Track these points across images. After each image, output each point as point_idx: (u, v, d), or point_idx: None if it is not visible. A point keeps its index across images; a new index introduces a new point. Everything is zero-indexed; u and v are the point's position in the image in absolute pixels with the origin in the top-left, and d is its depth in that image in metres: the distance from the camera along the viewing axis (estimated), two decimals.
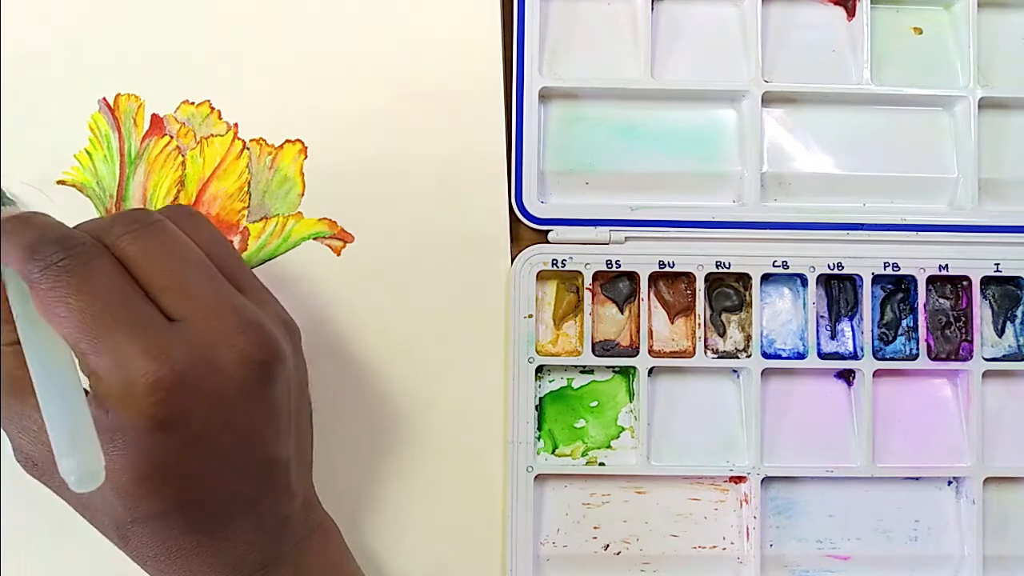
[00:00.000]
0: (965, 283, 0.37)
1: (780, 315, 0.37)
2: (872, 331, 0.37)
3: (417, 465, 0.36)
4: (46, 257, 0.25)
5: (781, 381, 0.37)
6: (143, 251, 0.27)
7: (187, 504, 0.27)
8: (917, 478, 0.37)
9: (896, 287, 0.38)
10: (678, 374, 0.37)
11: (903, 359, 0.37)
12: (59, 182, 0.36)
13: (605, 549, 0.36)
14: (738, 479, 0.37)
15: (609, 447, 0.37)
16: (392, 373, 0.36)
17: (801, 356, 0.37)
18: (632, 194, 0.37)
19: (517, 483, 0.35)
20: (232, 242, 0.36)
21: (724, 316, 0.37)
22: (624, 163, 0.37)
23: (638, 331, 0.36)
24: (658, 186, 0.37)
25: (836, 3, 0.38)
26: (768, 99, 0.37)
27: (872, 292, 0.37)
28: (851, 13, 0.38)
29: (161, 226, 0.27)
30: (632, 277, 0.37)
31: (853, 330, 0.37)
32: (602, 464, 0.36)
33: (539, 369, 0.36)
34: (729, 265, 0.36)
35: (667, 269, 0.36)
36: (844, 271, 0.37)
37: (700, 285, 0.36)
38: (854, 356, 0.37)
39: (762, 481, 0.36)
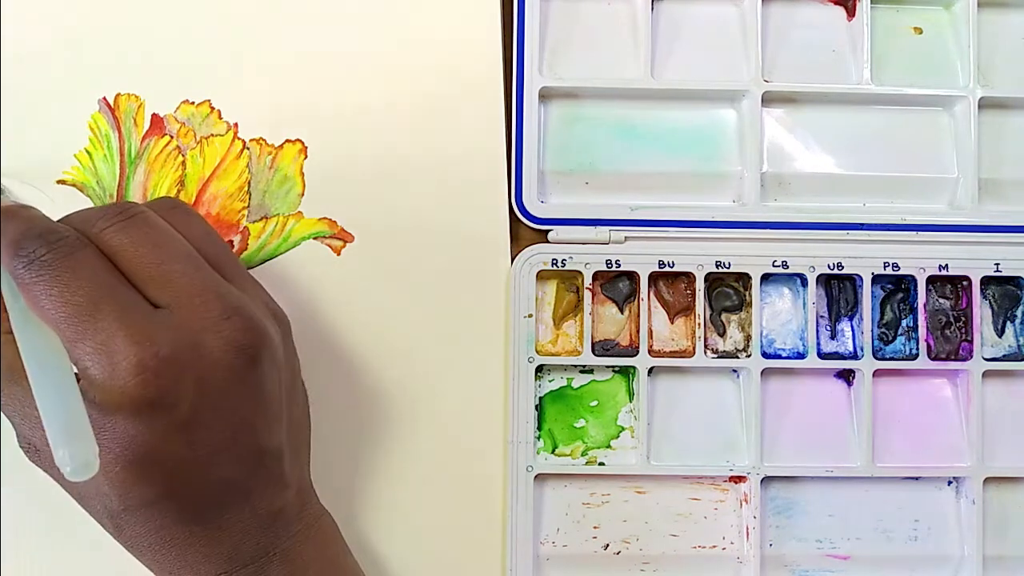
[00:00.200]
0: (965, 283, 0.37)
1: (780, 315, 0.37)
2: (872, 331, 0.37)
3: (417, 465, 0.36)
4: (30, 252, 0.26)
5: (781, 381, 0.37)
6: (127, 242, 0.27)
7: (178, 492, 0.27)
8: (917, 478, 0.37)
9: (896, 287, 0.38)
10: (678, 374, 0.37)
11: (903, 359, 0.37)
12: (59, 182, 0.36)
13: (605, 549, 0.36)
14: (738, 479, 0.37)
15: (609, 447, 0.37)
16: (392, 373, 0.36)
17: (801, 356, 0.37)
18: (632, 194, 0.37)
19: (517, 483, 0.35)
20: (231, 241, 0.36)
21: (724, 316, 0.37)
22: (624, 163, 0.37)
23: (638, 331, 0.36)
24: (658, 186, 0.37)
25: (836, 3, 0.38)
26: (768, 99, 0.37)
27: (872, 292, 0.37)
28: (851, 13, 0.38)
29: (144, 217, 0.27)
30: (632, 277, 0.37)
31: (853, 330, 0.37)
32: (602, 464, 0.36)
33: (539, 369, 0.36)
34: (729, 265, 0.36)
35: (667, 269, 0.36)
36: (844, 271, 0.37)
37: (700, 285, 0.36)
38: (854, 356, 0.37)
39: (762, 481, 0.36)
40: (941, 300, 0.38)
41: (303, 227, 0.36)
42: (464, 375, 0.36)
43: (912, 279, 0.37)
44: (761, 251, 0.37)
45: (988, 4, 0.38)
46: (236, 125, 0.36)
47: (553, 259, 0.36)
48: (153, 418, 0.26)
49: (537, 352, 0.36)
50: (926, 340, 0.37)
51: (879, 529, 0.37)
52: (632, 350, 0.36)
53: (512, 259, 0.36)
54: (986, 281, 0.37)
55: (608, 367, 0.37)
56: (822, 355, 0.37)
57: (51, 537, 0.34)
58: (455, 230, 0.36)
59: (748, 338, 0.37)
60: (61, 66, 0.36)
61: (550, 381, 0.37)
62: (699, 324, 0.36)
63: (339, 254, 0.36)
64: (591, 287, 0.36)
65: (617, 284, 0.37)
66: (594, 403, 0.37)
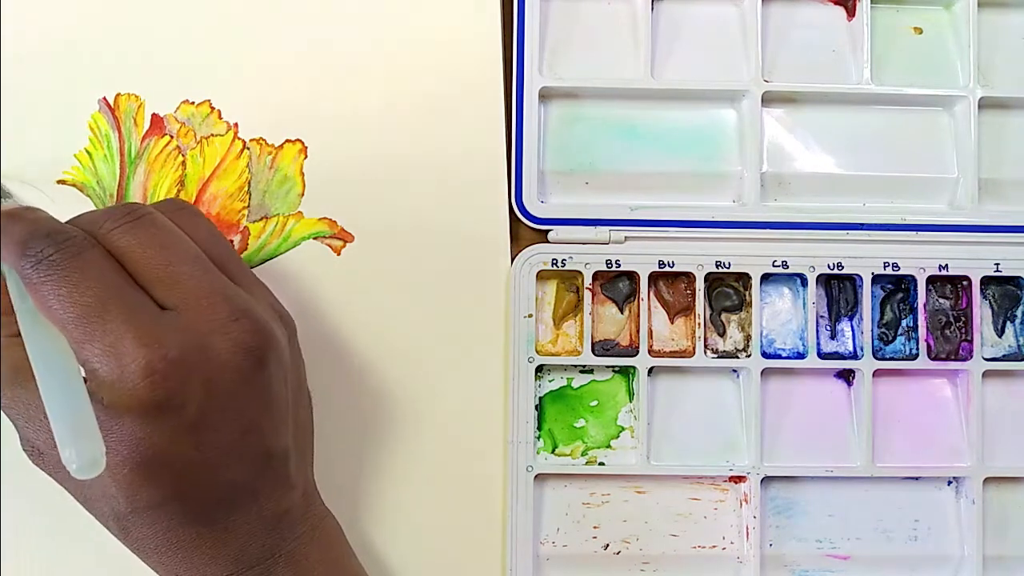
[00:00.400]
0: (965, 283, 0.37)
1: (780, 315, 0.37)
2: (872, 331, 0.37)
3: (417, 465, 0.36)
4: (37, 252, 0.26)
5: (781, 381, 0.37)
6: (134, 243, 0.27)
7: (186, 494, 0.27)
8: (917, 478, 0.37)
9: (896, 287, 0.38)
10: (678, 374, 0.37)
11: (903, 359, 0.37)
12: (59, 182, 0.36)
13: (605, 549, 0.36)
14: (738, 479, 0.37)
15: (609, 447, 0.37)
16: (392, 373, 0.36)
17: (801, 356, 0.37)
18: (632, 194, 0.37)
19: (517, 483, 0.35)
20: (232, 241, 0.36)
21: (724, 316, 0.37)
22: (624, 163, 0.37)
23: (638, 331, 0.36)
24: (658, 186, 0.37)
25: (836, 3, 0.38)
26: (768, 99, 0.37)
27: (872, 292, 0.37)
28: (851, 13, 0.38)
29: (152, 219, 0.28)
30: (632, 277, 0.37)
31: (853, 330, 0.37)
32: (602, 464, 0.36)
33: (539, 369, 0.36)
34: (729, 265, 0.36)
35: (667, 269, 0.36)
36: (844, 271, 0.37)
37: (700, 285, 0.36)
38: (854, 356, 0.37)
39: (762, 481, 0.36)
40: (941, 300, 0.38)
41: (303, 227, 0.36)
42: (464, 375, 0.36)
43: (912, 279, 0.37)
44: (761, 251, 0.37)
45: (988, 4, 0.38)
46: (236, 125, 0.36)
47: (553, 259, 0.36)
48: (161, 420, 0.26)
49: (537, 352, 0.36)
50: (926, 340, 0.37)
51: (879, 529, 0.37)
52: (632, 350, 0.36)
53: (512, 259, 0.36)
54: (986, 281, 0.37)
55: (608, 367, 0.37)
56: (822, 355, 0.37)
57: (51, 537, 0.34)
58: (455, 230, 0.36)
59: (748, 338, 0.37)
60: (61, 66, 0.36)
61: (550, 381, 0.37)
62: (699, 324, 0.36)
63: (339, 254, 0.36)
64: (591, 287, 0.36)
65: (617, 284, 0.37)
66: (594, 403, 0.37)
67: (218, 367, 0.26)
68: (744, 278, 0.37)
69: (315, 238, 0.36)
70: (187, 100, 0.36)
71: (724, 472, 0.36)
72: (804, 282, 0.37)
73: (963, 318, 0.38)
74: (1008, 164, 0.38)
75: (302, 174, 0.36)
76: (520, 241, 0.37)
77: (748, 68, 0.37)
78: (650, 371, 0.36)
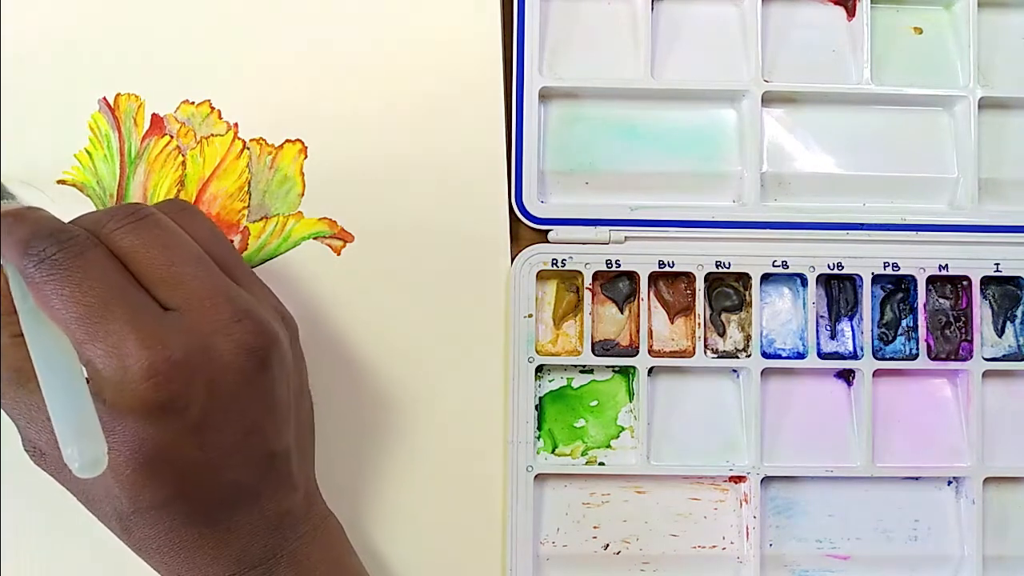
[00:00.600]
0: (965, 283, 0.37)
1: (780, 315, 0.37)
2: (872, 331, 0.37)
3: (417, 465, 0.36)
4: (40, 251, 0.26)
5: (781, 381, 0.37)
6: (137, 243, 0.27)
7: (189, 494, 0.27)
8: (917, 478, 0.37)
9: (896, 287, 0.38)
10: (678, 374, 0.37)
11: (903, 359, 0.37)
12: (59, 182, 0.36)
13: (605, 549, 0.36)
14: (738, 479, 0.37)
15: (609, 447, 0.37)
16: (392, 373, 0.36)
17: (801, 356, 0.37)
18: (632, 194, 0.37)
19: (517, 483, 0.35)
20: (232, 241, 0.36)
21: (724, 316, 0.37)
22: (624, 163, 0.37)
23: (638, 331, 0.36)
24: (658, 186, 0.37)
25: (836, 3, 0.38)
26: (768, 99, 0.37)
27: (872, 292, 0.37)
28: (851, 13, 0.38)
29: (155, 219, 0.28)
30: (632, 277, 0.37)
31: (853, 330, 0.37)
32: (602, 464, 0.36)
33: (539, 369, 0.36)
34: (729, 265, 0.36)
35: (667, 269, 0.36)
36: (844, 271, 0.37)
37: (700, 285, 0.36)
38: (854, 356, 0.37)
39: (762, 481, 0.36)
40: (941, 300, 0.38)
41: (303, 227, 0.36)
42: (464, 375, 0.36)
43: (912, 279, 0.37)
44: (761, 251, 0.37)
45: (988, 4, 0.38)
46: (236, 125, 0.36)
47: (553, 259, 0.36)
48: (164, 421, 0.26)
49: (537, 352, 0.36)
50: (926, 340, 0.37)
51: (879, 529, 0.37)
52: (632, 350, 0.36)
53: (512, 259, 0.36)
54: (986, 281, 0.37)
55: (608, 367, 0.37)
56: (822, 355, 0.37)
57: (51, 537, 0.34)
58: (455, 230, 0.36)
59: (748, 338, 0.37)
60: (61, 66, 0.36)
61: (550, 381, 0.37)
62: (699, 324, 0.36)
63: (339, 254, 0.36)
64: (591, 287, 0.36)
65: (617, 284, 0.37)
66: (594, 403, 0.37)
67: (221, 368, 0.26)
68: (744, 278, 0.37)
69: (315, 238, 0.36)
70: (187, 100, 0.36)
71: (724, 472, 0.36)
72: (804, 282, 0.37)
73: (963, 318, 0.38)
74: (1008, 164, 0.38)
75: (302, 174, 0.36)
76: (520, 241, 0.37)
77: (748, 68, 0.37)
78: (650, 371, 0.36)
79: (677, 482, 0.37)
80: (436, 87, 0.37)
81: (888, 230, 0.37)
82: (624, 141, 0.37)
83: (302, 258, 0.36)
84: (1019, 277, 0.37)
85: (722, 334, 0.37)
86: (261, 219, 0.36)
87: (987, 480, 0.36)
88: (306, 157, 0.36)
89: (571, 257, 0.36)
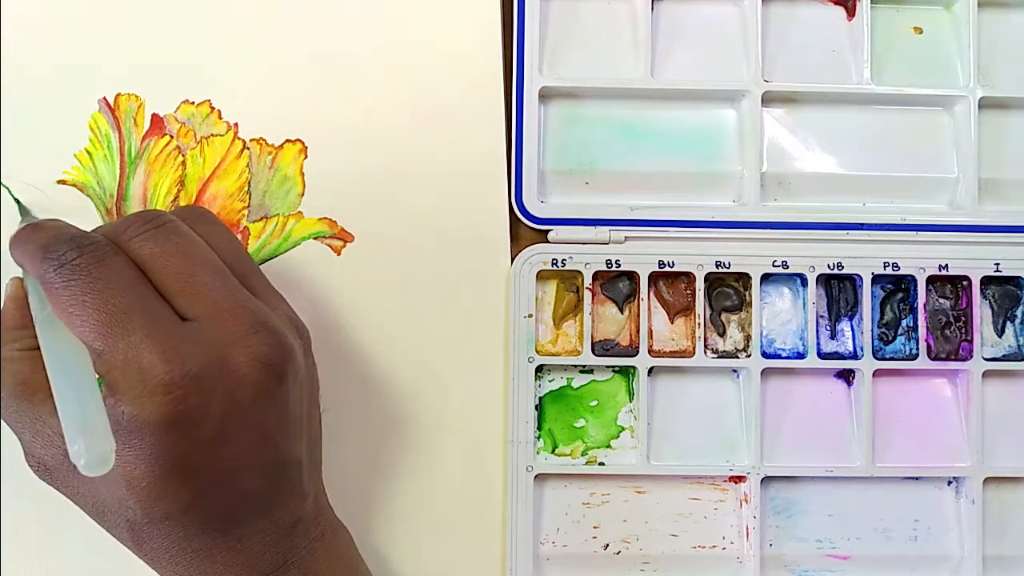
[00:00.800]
0: (965, 283, 0.37)
1: (780, 315, 0.37)
2: (872, 331, 0.37)
3: (417, 465, 0.36)
4: (60, 256, 0.26)
5: (781, 381, 0.37)
6: (156, 252, 0.27)
7: (202, 504, 0.27)
8: (917, 478, 0.37)
9: (896, 287, 0.38)
10: (678, 374, 0.37)
11: (903, 359, 0.37)
12: (59, 182, 0.36)
13: (605, 549, 0.36)
14: (738, 479, 0.37)
15: (609, 447, 0.37)
16: (392, 373, 0.36)
17: (801, 356, 0.37)
18: (632, 194, 0.37)
19: (517, 483, 0.35)
20: None
21: (724, 316, 0.37)
22: (624, 163, 0.37)
23: (638, 331, 0.36)
24: (658, 186, 0.37)
25: (836, 3, 0.38)
26: (768, 99, 0.37)
27: (872, 292, 0.37)
28: (851, 13, 0.38)
29: (174, 227, 0.28)
30: (632, 277, 0.37)
31: (853, 330, 0.37)
32: (602, 464, 0.36)
33: (539, 369, 0.36)
34: (729, 265, 0.36)
35: (667, 269, 0.36)
36: (844, 271, 0.37)
37: (700, 285, 0.36)
38: (854, 356, 0.37)
39: (762, 481, 0.36)
40: (941, 300, 0.38)
41: (303, 227, 0.36)
42: (464, 375, 0.36)
43: (912, 279, 0.37)
44: (761, 251, 0.37)
45: (988, 4, 0.38)
46: (236, 125, 0.36)
47: (553, 259, 0.36)
48: (181, 433, 0.26)
49: (537, 352, 0.36)
50: (926, 340, 0.37)
51: (879, 529, 0.37)
52: (632, 350, 0.36)
53: (512, 259, 0.36)
54: (986, 281, 0.37)
55: (608, 367, 0.37)
56: (822, 355, 0.37)
57: (51, 537, 0.34)
58: (455, 230, 0.36)
59: (748, 338, 0.37)
60: (61, 66, 0.36)
61: (550, 381, 0.37)
62: (699, 324, 0.36)
63: (339, 254, 0.36)
64: (591, 287, 0.36)
65: (617, 284, 0.37)
66: (594, 403, 0.37)
67: (238, 381, 0.26)
68: (744, 278, 0.37)
69: (315, 238, 0.36)
70: (187, 100, 0.36)
71: (724, 472, 0.36)
72: (804, 282, 0.37)
73: (963, 318, 0.38)
74: (1008, 164, 0.38)
75: (302, 174, 0.36)
76: (520, 241, 0.37)
77: (748, 68, 0.37)
78: (650, 371, 0.36)
79: (677, 482, 0.37)
80: (436, 87, 0.37)
81: (888, 230, 0.37)
82: (624, 141, 0.37)
83: (302, 258, 0.36)
84: (1019, 277, 0.37)
85: (722, 334, 0.37)
86: (261, 219, 0.36)
87: (987, 480, 0.36)
88: (306, 157, 0.36)
89: (571, 257, 0.36)
